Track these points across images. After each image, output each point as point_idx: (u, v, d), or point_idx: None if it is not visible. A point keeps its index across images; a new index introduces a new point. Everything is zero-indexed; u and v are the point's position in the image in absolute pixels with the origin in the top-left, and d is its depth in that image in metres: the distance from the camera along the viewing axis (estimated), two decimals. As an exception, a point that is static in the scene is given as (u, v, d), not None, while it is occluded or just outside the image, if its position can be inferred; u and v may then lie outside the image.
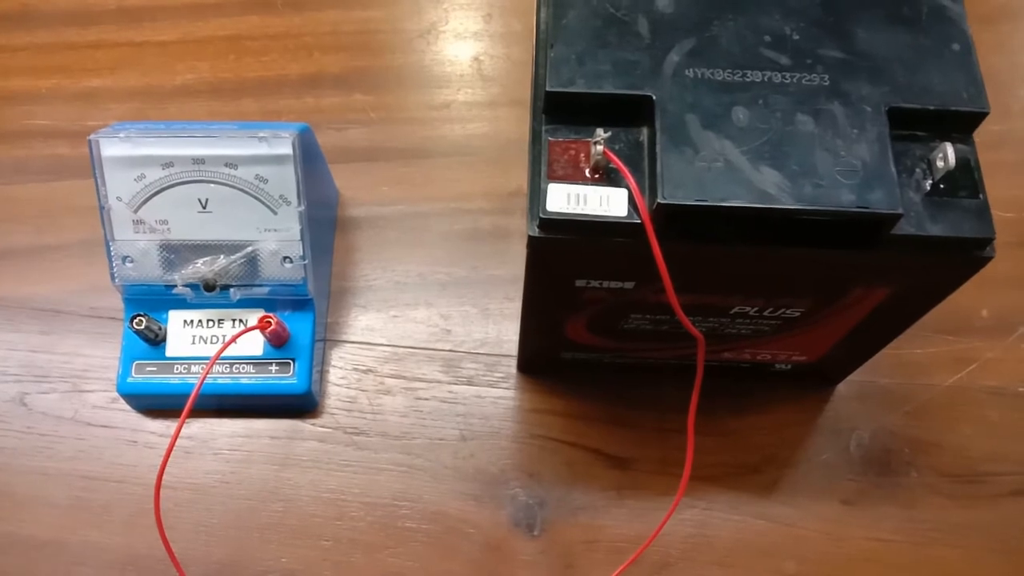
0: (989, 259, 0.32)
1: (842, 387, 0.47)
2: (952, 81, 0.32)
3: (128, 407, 0.46)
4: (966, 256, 0.32)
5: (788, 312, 0.38)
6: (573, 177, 0.32)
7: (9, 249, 0.51)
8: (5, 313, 0.49)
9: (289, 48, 0.57)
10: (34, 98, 0.56)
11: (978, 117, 0.32)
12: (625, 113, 0.32)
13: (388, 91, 0.56)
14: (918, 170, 0.32)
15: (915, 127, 0.32)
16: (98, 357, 0.48)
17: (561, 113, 0.33)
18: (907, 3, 0.34)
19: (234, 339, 0.42)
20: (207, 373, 0.40)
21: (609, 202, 0.32)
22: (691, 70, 0.32)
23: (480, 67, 0.57)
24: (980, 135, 0.33)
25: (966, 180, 0.32)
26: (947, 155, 0.31)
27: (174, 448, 0.45)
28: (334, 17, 0.58)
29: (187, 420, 0.46)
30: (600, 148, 0.31)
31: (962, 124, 0.32)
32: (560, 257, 0.34)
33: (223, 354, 0.43)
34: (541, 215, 0.31)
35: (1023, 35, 0.60)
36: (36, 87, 0.56)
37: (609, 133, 0.31)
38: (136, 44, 0.58)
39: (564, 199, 0.32)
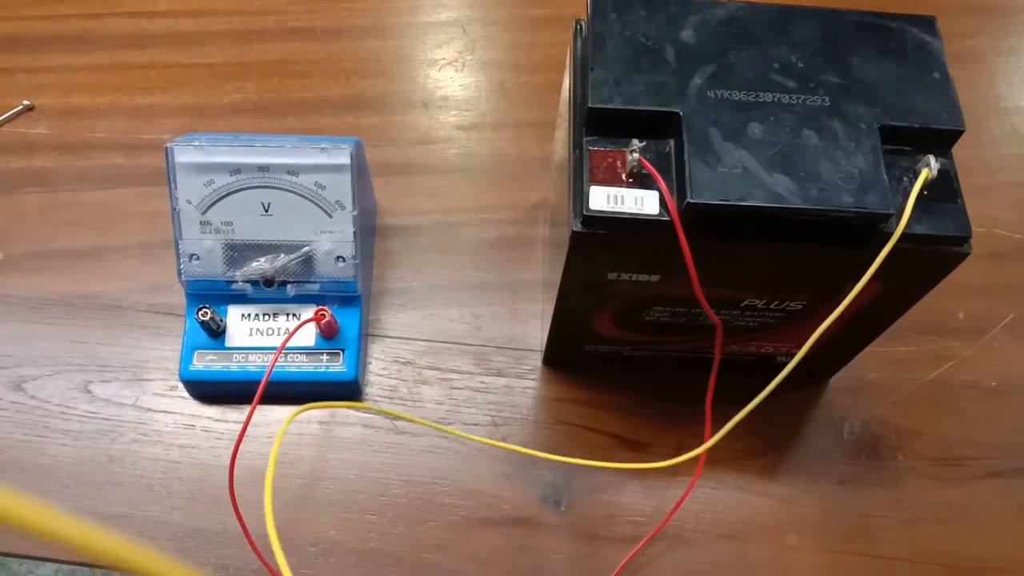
0: (967, 255, 0.37)
1: (835, 381, 0.52)
2: (933, 104, 0.38)
3: (186, 394, 0.50)
4: (947, 251, 0.37)
5: (792, 305, 0.43)
6: (611, 181, 0.37)
7: (74, 250, 0.55)
8: (71, 310, 0.53)
9: (329, 72, 0.62)
10: (94, 113, 0.60)
11: (955, 134, 0.38)
12: (655, 127, 0.37)
13: (421, 113, 0.62)
14: (906, 179, 0.37)
15: (903, 142, 0.37)
16: (156, 350, 0.52)
17: (600, 126, 0.38)
18: (894, 38, 0.40)
19: (297, 329, 0.46)
20: (275, 361, 0.44)
21: (643, 202, 0.37)
22: (712, 91, 0.38)
23: (505, 92, 0.63)
24: (954, 160, 0.38)
25: (946, 187, 0.37)
26: (931, 165, 0.36)
27: (230, 432, 0.49)
28: (371, 45, 0.64)
29: (240, 406, 0.50)
30: (636, 156, 0.36)
31: (942, 140, 0.38)
32: (598, 250, 0.38)
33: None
34: (584, 212, 0.36)
35: (990, 73, 0.67)
36: (95, 103, 0.61)
37: (643, 143, 0.37)
38: (186, 66, 0.63)
39: (604, 199, 0.37)
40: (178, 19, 0.65)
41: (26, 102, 0.60)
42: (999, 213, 0.59)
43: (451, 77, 0.64)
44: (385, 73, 0.63)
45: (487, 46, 0.65)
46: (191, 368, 0.49)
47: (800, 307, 0.43)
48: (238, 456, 0.45)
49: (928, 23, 0.40)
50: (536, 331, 0.53)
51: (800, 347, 0.48)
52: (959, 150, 0.38)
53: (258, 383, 0.44)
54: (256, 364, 0.48)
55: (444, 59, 0.64)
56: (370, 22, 0.66)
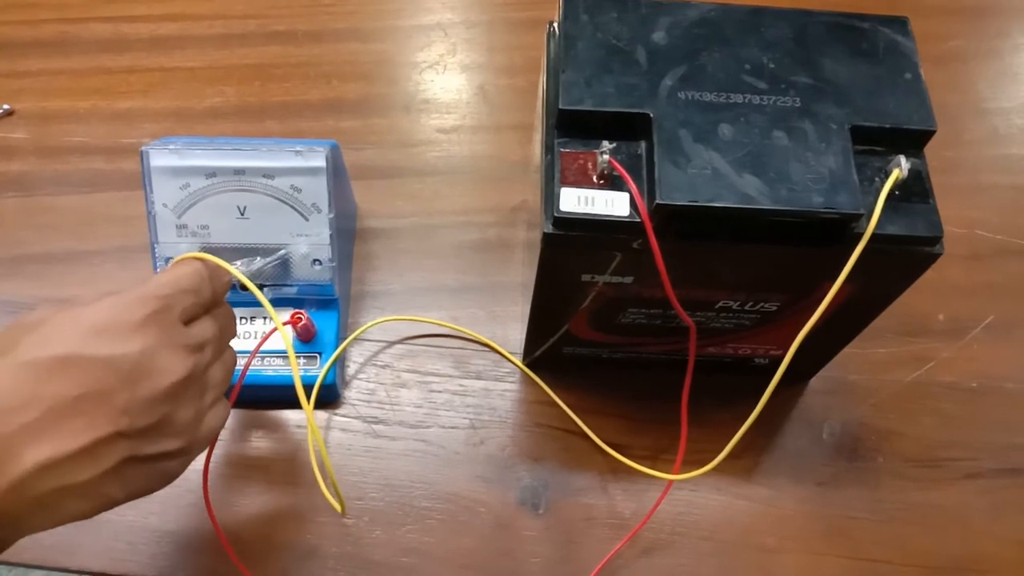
0: (939, 255, 0.37)
1: (815, 382, 0.52)
2: (905, 104, 0.38)
3: (163, 399, 0.50)
4: (919, 251, 0.37)
5: (766, 306, 0.43)
6: (582, 183, 0.37)
7: (52, 254, 0.55)
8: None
9: (310, 76, 0.62)
10: (73, 117, 0.60)
11: (927, 135, 0.38)
12: (626, 128, 0.37)
13: (401, 116, 0.61)
14: (877, 179, 0.37)
15: (874, 143, 0.37)
16: (134, 354, 0.52)
17: (571, 128, 0.38)
18: (866, 39, 0.40)
19: (272, 332, 0.46)
20: (248, 366, 0.44)
21: (613, 204, 0.37)
22: (683, 92, 0.38)
23: (485, 95, 0.63)
24: (934, 161, 0.38)
25: (918, 187, 0.37)
26: (901, 165, 0.36)
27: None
28: (351, 48, 0.64)
29: (218, 411, 0.50)
30: (606, 158, 0.36)
31: (914, 140, 0.38)
32: (570, 252, 0.38)
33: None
34: (555, 214, 0.36)
35: (971, 75, 0.67)
36: (75, 107, 0.61)
37: (613, 145, 0.37)
38: (167, 69, 0.63)
39: (575, 201, 0.37)
40: (159, 23, 0.65)
41: (5, 106, 0.60)
42: (980, 214, 0.59)
43: (432, 80, 0.63)
44: (366, 76, 0.63)
45: (468, 49, 0.65)
46: (168, 372, 0.48)
47: (774, 308, 0.43)
48: (212, 459, 0.45)
49: (901, 24, 0.40)
50: (516, 333, 0.53)
51: (777, 348, 0.48)
52: (940, 151, 0.38)
53: (233, 387, 0.44)
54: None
55: (425, 62, 0.64)
56: (351, 25, 0.66)
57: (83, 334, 0.32)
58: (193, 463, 0.48)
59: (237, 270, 0.40)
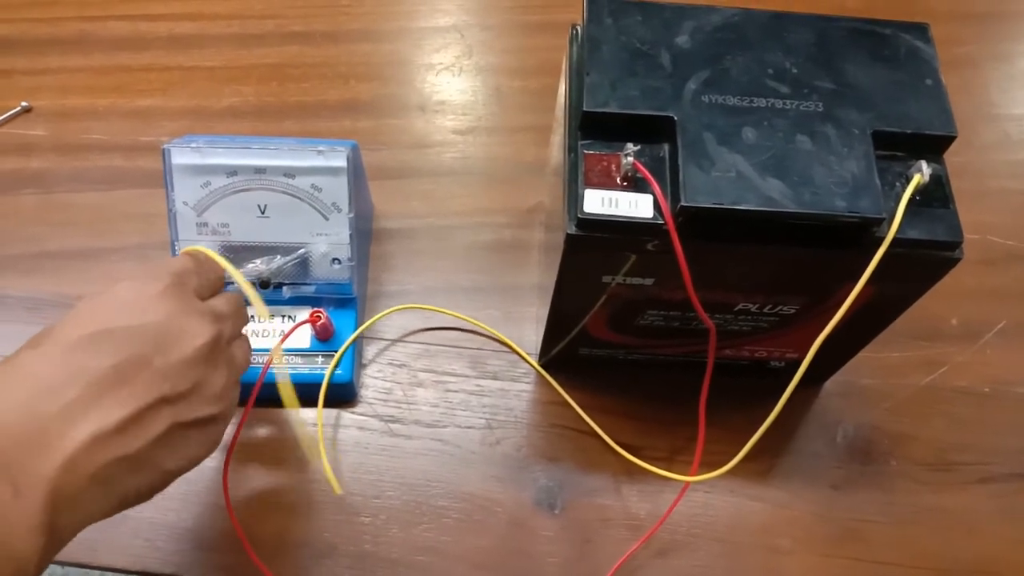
0: (959, 260, 0.37)
1: (829, 385, 0.52)
2: (926, 110, 0.38)
3: (181, 396, 0.50)
4: (939, 256, 0.37)
5: (785, 309, 0.43)
6: (606, 184, 0.37)
7: (70, 251, 0.55)
8: (67, 311, 0.52)
9: (327, 76, 0.63)
10: (92, 115, 0.60)
11: (947, 140, 0.38)
12: (650, 131, 0.38)
13: (417, 116, 0.62)
14: (898, 184, 0.37)
15: (895, 148, 0.38)
16: (152, 351, 0.52)
17: (595, 130, 0.38)
18: (887, 45, 0.40)
19: (292, 331, 0.46)
20: (269, 364, 0.44)
21: (637, 206, 0.37)
22: (707, 96, 0.38)
23: (501, 96, 0.63)
24: (946, 166, 0.38)
25: (938, 193, 0.38)
26: (923, 171, 0.36)
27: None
28: (368, 49, 0.64)
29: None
30: (630, 160, 0.36)
31: (935, 146, 0.38)
32: (592, 253, 0.39)
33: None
34: (579, 215, 0.37)
35: (982, 80, 0.67)
36: (93, 105, 0.61)
37: (637, 147, 0.37)
38: (185, 68, 0.63)
39: (599, 202, 0.37)
40: (177, 22, 0.66)
41: (24, 103, 0.60)
42: (992, 219, 0.59)
43: (448, 81, 0.64)
44: (381, 77, 0.63)
45: (483, 51, 0.66)
46: (186, 369, 0.49)
47: (793, 311, 0.43)
48: (235, 458, 0.45)
49: (921, 30, 0.41)
50: (531, 334, 0.53)
51: (793, 351, 0.49)
52: (950, 156, 0.39)
53: (253, 385, 0.44)
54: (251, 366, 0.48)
55: (441, 63, 0.65)
56: (367, 26, 0.66)
57: (110, 310, 0.35)
58: (210, 461, 0.48)
59: (230, 263, 0.41)
